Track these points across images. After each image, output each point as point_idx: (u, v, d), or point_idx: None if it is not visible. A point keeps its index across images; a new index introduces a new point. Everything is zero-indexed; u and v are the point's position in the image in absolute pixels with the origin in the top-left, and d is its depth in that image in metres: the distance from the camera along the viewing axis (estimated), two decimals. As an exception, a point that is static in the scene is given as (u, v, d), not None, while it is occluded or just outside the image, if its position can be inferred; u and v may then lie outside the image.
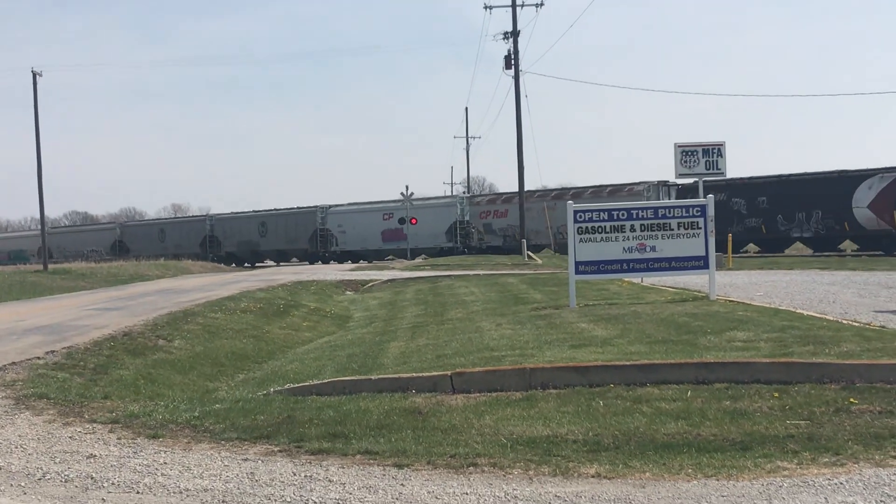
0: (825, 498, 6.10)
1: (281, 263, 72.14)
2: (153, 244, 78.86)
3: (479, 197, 71.33)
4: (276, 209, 76.14)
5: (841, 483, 6.46)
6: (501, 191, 73.37)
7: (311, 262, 68.61)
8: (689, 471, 6.95)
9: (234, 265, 73.26)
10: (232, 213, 79.86)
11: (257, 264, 73.45)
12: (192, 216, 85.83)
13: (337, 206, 71.24)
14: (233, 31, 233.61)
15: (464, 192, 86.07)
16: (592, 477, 6.94)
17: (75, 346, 14.96)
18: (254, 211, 77.57)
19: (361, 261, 64.40)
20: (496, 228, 61.18)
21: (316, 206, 71.32)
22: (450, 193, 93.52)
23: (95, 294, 31.56)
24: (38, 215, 57.33)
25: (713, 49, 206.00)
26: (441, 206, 66.26)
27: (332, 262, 67.08)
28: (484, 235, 62.12)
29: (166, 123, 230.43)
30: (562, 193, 57.91)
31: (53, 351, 14.41)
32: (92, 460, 8.07)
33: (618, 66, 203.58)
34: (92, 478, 7.44)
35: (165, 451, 8.33)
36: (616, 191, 54.14)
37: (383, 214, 66.49)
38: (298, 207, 73.67)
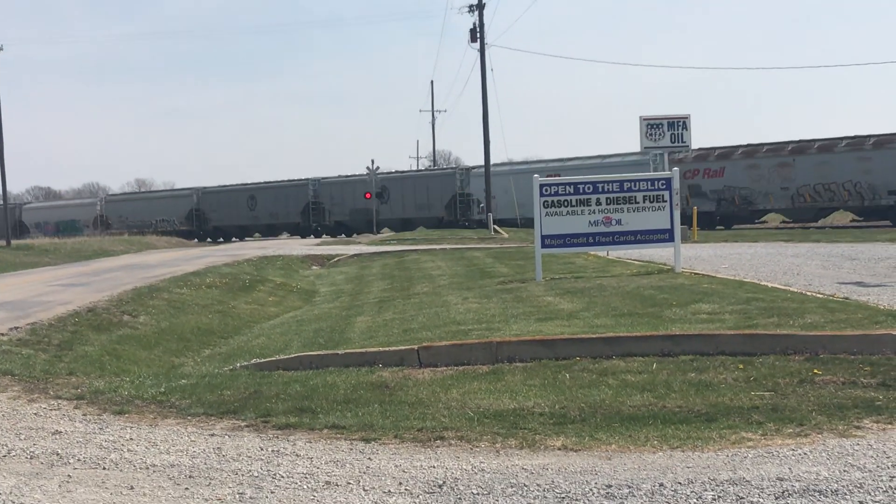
0: (789, 468, 6.15)
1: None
2: (240, 212, 74.38)
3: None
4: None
5: (805, 453, 6.52)
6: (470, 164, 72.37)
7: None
8: (655, 442, 7.00)
9: (221, 240, 72.53)
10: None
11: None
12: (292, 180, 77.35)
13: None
14: (196, 6, 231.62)
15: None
16: (559, 449, 6.96)
17: (39, 322, 14.85)
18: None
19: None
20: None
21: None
22: (436, 166, 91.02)
23: (60, 270, 31.33)
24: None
25: (681, 21, 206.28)
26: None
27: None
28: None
29: (129, 98, 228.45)
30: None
31: (17, 327, 14.29)
32: (57, 437, 8.03)
33: (584, 39, 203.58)
34: (57, 454, 7.40)
35: (131, 427, 8.30)
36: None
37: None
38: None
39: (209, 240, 73.77)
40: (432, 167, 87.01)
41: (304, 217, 69.13)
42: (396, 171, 70.96)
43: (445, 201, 62.47)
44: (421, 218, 63.50)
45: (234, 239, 72.88)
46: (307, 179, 69.98)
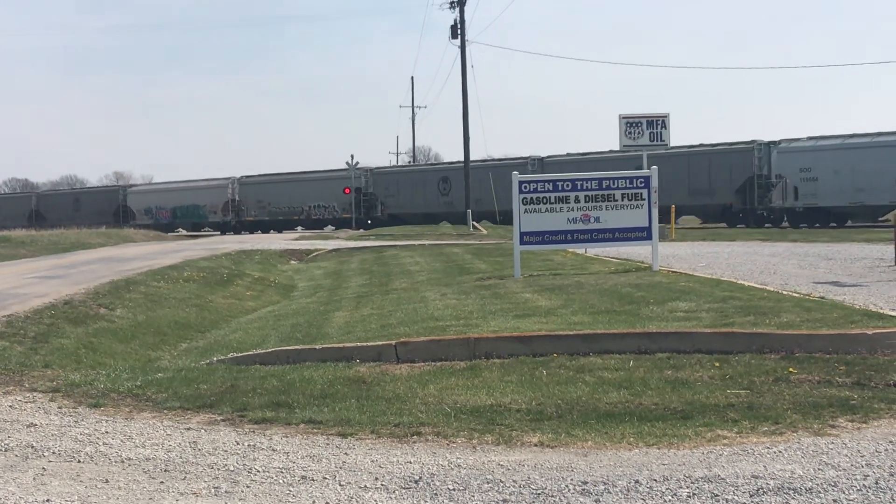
0: (764, 466, 6.18)
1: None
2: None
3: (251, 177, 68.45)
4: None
5: (780, 451, 6.56)
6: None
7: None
8: (631, 439, 7.02)
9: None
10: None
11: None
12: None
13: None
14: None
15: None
16: (535, 446, 6.98)
17: (15, 314, 14.75)
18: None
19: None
20: None
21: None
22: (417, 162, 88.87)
23: (36, 262, 31.14)
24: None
25: (662, 20, 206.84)
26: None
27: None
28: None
29: (107, 91, 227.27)
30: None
31: (-8, 319, 14.22)
32: (32, 429, 7.99)
33: (565, 36, 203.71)
34: (32, 447, 7.37)
35: (107, 420, 8.27)
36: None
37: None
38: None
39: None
40: (413, 162, 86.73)
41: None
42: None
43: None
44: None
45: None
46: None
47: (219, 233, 68.22)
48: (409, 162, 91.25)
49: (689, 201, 49.60)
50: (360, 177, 64.76)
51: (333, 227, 65.50)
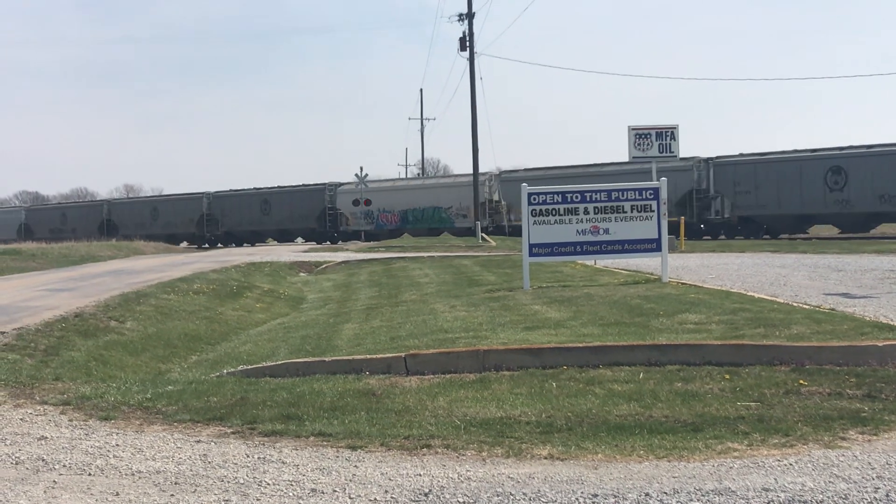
0: (775, 479, 6.17)
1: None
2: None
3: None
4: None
5: (790, 464, 6.54)
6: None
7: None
8: (641, 452, 7.01)
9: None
10: (231, 190, 75.41)
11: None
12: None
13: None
14: (185, 11, 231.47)
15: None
16: (545, 458, 6.97)
17: (26, 327, 14.79)
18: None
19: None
20: None
21: (324, 184, 67.05)
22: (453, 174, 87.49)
23: (46, 275, 31.21)
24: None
25: (671, 32, 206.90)
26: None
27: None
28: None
29: (117, 103, 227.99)
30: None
31: (3, 332, 14.24)
32: (43, 442, 8.00)
33: (573, 49, 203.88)
34: (43, 460, 7.38)
35: (117, 433, 8.28)
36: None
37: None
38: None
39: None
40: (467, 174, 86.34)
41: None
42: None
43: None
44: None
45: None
46: (324, 184, 67.53)
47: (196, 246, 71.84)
48: (418, 174, 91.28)
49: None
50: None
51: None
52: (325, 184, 67.84)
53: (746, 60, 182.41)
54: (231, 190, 75.84)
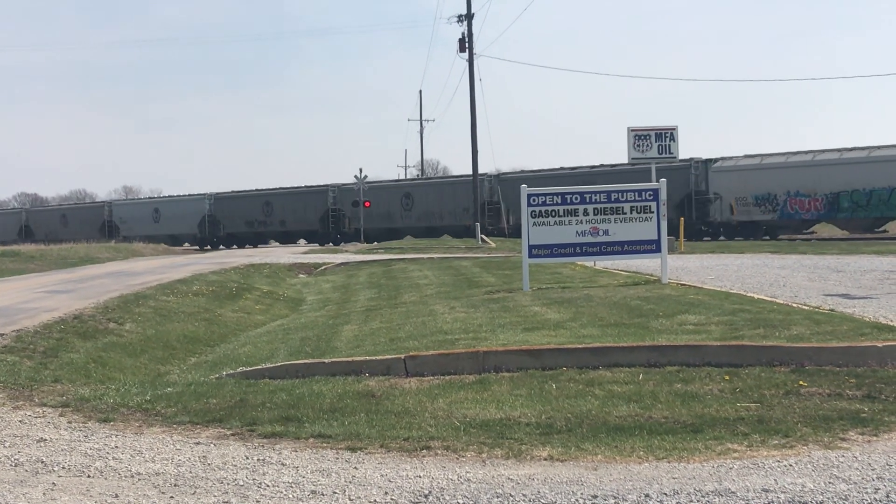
0: (775, 479, 6.16)
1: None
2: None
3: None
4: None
5: (790, 465, 6.54)
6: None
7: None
8: (641, 453, 7.01)
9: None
10: (233, 191, 75.60)
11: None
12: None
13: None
14: (184, 14, 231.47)
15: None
16: (545, 459, 6.97)
17: (25, 329, 14.78)
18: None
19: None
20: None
21: (327, 185, 67.32)
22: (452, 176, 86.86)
23: (45, 277, 31.19)
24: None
25: (668, 33, 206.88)
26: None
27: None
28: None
29: (117, 105, 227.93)
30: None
31: (2, 334, 14.22)
32: (42, 444, 8.00)
33: (573, 50, 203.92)
34: (42, 462, 7.37)
35: (117, 435, 8.27)
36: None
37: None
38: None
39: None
40: (447, 175, 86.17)
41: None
42: (420, 178, 69.51)
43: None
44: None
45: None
46: (327, 185, 67.49)
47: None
48: (418, 176, 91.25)
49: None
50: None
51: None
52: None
53: (746, 60, 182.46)
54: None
